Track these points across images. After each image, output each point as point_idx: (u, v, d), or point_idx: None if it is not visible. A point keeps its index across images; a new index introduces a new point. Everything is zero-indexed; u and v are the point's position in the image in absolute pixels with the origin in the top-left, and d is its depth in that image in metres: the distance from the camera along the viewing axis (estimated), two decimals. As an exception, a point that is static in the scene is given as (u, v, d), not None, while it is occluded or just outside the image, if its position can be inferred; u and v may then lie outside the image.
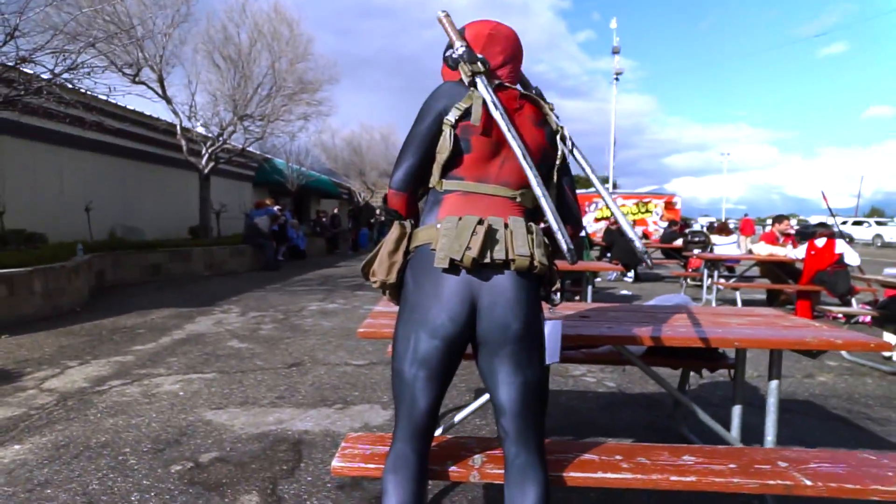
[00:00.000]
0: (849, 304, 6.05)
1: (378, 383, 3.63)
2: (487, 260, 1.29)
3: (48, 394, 3.31)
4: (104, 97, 7.41)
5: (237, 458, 2.48)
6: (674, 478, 1.51)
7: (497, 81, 1.43)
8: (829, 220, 7.51)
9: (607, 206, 1.56)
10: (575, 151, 1.52)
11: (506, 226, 1.34)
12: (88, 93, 7.05)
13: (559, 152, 1.48)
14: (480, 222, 1.32)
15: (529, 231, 1.35)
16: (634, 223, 17.08)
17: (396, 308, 1.44)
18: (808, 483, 1.47)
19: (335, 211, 18.75)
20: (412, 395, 1.34)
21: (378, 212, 21.50)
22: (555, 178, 1.49)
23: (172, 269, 9.36)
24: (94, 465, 2.38)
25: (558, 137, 1.48)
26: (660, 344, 1.80)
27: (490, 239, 1.30)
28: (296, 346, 4.65)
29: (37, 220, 7.90)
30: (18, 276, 5.35)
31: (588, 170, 1.53)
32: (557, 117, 1.51)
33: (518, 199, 1.41)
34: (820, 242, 6.20)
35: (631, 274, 10.19)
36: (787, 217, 8.04)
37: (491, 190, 1.40)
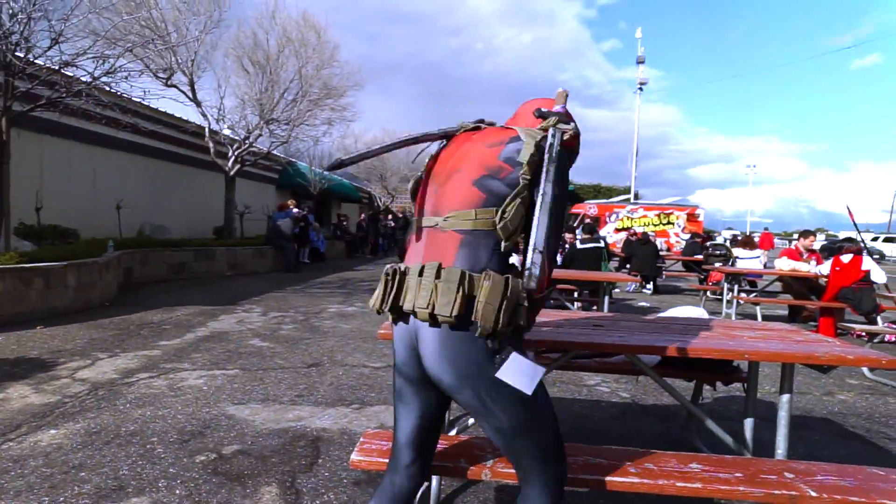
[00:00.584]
0: (874, 322, 5.94)
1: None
2: (406, 307, 1.26)
3: (80, 383, 3.47)
4: (139, 100, 7.70)
5: (258, 451, 2.58)
6: (680, 483, 1.55)
7: (473, 125, 1.50)
8: (856, 236, 7.39)
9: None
10: (548, 162, 1.25)
11: (421, 271, 1.26)
12: (125, 95, 7.34)
13: (523, 166, 1.26)
14: (389, 272, 1.31)
15: (438, 276, 1.22)
16: (656, 234, 16.89)
17: None
18: (814, 494, 1.50)
19: (362, 216, 18.99)
20: (395, 424, 1.42)
21: (389, 216, 21.57)
22: (523, 192, 1.26)
23: (197, 267, 9.62)
24: (124, 451, 2.51)
25: (528, 152, 1.27)
26: (670, 354, 1.84)
27: (392, 288, 1.30)
28: (315, 346, 4.76)
29: (71, 217, 8.20)
30: (54, 270, 5.59)
31: (544, 181, 1.23)
32: (556, 135, 1.29)
33: (439, 225, 1.31)
34: (846, 258, 6.11)
35: (650, 286, 10.12)
36: (812, 232, 7.92)
37: (424, 222, 1.37)
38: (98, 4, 6.42)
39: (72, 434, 2.68)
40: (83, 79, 6.37)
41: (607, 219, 20.28)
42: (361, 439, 1.75)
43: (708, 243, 11.24)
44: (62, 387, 3.38)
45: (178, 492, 2.16)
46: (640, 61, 27.82)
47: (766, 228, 19.70)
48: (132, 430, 2.76)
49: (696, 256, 10.96)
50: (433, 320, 1.23)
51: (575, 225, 14.72)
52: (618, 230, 19.47)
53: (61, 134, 8.59)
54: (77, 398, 3.19)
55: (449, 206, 1.31)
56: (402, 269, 1.32)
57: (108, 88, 6.88)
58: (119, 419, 2.90)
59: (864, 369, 4.53)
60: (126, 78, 6.82)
